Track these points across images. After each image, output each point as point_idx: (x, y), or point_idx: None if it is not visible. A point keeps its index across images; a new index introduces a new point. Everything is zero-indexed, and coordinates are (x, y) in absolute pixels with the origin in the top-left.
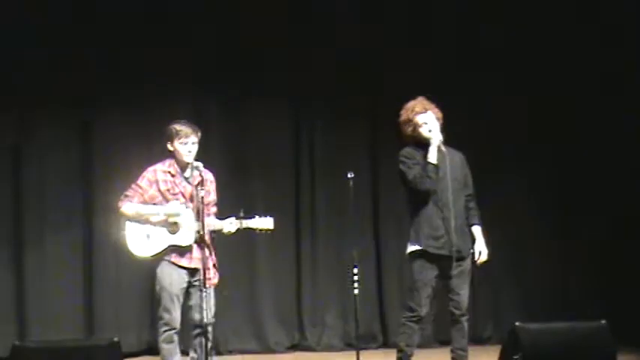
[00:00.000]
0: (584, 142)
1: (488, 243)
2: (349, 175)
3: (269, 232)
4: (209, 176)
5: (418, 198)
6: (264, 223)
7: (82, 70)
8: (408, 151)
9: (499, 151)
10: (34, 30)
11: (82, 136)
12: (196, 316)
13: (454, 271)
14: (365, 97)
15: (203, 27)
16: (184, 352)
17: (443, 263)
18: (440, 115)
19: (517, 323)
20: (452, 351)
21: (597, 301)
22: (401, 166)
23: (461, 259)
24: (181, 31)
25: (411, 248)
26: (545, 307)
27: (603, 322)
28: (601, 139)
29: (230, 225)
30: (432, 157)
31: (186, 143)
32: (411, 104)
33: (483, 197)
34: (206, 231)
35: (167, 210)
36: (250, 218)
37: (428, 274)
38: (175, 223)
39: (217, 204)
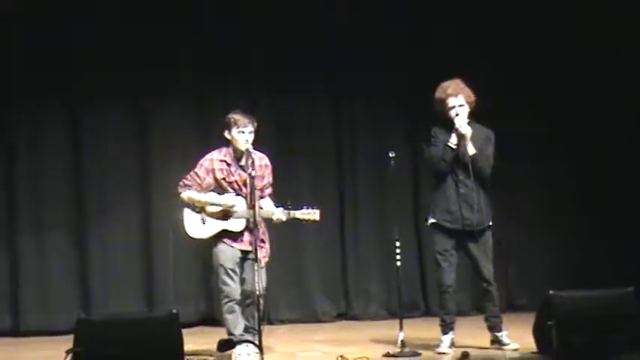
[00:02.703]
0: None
1: (524, 214)
2: (391, 155)
3: (315, 222)
4: (264, 161)
5: (437, 174)
6: (310, 214)
7: (137, 61)
8: (436, 130)
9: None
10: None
11: (139, 123)
12: (248, 288)
13: (472, 246)
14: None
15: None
16: None
17: (459, 237)
18: (472, 98)
19: (551, 291)
20: (486, 319)
21: (624, 269)
22: (426, 143)
23: (478, 233)
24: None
25: (430, 220)
26: (577, 275)
27: (630, 288)
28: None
29: (279, 214)
30: (452, 141)
31: (244, 132)
32: (445, 84)
33: (518, 171)
34: (257, 219)
35: (222, 201)
36: (298, 209)
37: (446, 245)
38: (228, 211)
39: (273, 185)
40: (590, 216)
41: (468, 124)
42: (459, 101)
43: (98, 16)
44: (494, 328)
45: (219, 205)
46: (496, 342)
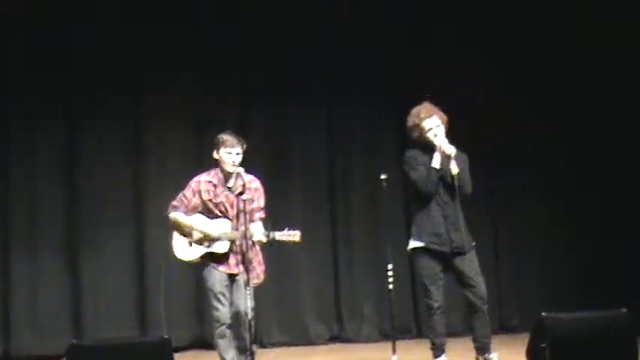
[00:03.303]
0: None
1: (514, 234)
2: (382, 177)
3: (295, 244)
4: (254, 184)
5: (420, 197)
6: (290, 236)
7: (132, 72)
8: (412, 153)
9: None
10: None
11: (133, 140)
12: (237, 309)
13: (462, 265)
14: (393, 98)
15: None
16: None
17: (445, 259)
18: (445, 118)
19: (543, 313)
20: (474, 340)
21: (618, 289)
22: (405, 167)
23: (463, 253)
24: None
25: (413, 244)
26: (570, 296)
27: (624, 310)
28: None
29: (259, 235)
30: (436, 162)
31: (231, 153)
32: (416, 110)
33: (508, 188)
34: (241, 241)
35: (203, 230)
36: (279, 231)
37: (433, 268)
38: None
39: (264, 209)
40: (586, 228)
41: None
42: (434, 122)
43: (98, 16)
44: (484, 349)
45: (200, 233)
46: None
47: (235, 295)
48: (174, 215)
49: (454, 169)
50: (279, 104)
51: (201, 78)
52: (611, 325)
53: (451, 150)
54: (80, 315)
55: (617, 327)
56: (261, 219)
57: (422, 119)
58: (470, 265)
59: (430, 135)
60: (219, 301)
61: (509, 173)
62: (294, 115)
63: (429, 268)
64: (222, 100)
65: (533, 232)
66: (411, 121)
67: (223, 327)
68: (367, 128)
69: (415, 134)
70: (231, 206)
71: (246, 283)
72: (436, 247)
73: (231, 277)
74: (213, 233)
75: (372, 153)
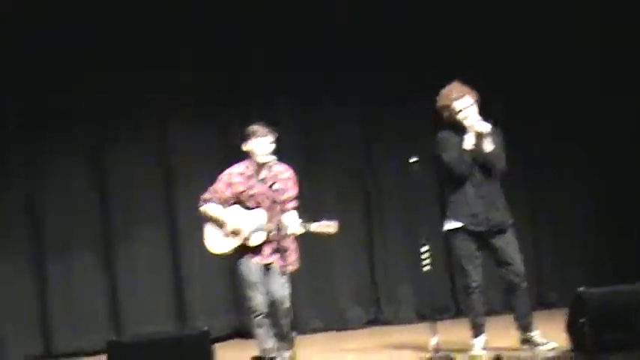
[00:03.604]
0: None
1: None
2: (412, 160)
3: (331, 236)
4: (287, 174)
5: (454, 178)
6: (326, 227)
7: (161, 71)
8: (443, 134)
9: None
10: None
11: (160, 133)
12: (272, 297)
13: (499, 243)
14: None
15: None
16: None
17: (482, 238)
18: (476, 97)
19: (581, 288)
20: (516, 319)
21: None
22: (437, 149)
23: (501, 231)
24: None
25: (450, 226)
26: (608, 270)
27: None
28: None
29: (295, 227)
30: (468, 143)
31: (262, 143)
32: (446, 90)
33: (551, 166)
34: (276, 233)
35: (233, 225)
36: (316, 222)
37: (470, 248)
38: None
39: (297, 198)
40: (625, 203)
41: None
42: (465, 103)
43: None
44: (525, 327)
45: (231, 227)
46: (528, 342)
47: (270, 283)
48: (206, 208)
49: (488, 147)
50: (309, 93)
51: (226, 74)
52: None
53: (485, 128)
54: (118, 310)
55: None
56: (295, 208)
57: (452, 100)
58: (508, 243)
59: (461, 117)
60: (253, 290)
61: (548, 151)
62: (327, 102)
63: (466, 248)
64: (248, 92)
65: (572, 208)
66: (441, 102)
67: (260, 316)
68: (399, 110)
69: (446, 115)
70: (265, 197)
71: (282, 271)
72: (473, 227)
73: (266, 266)
74: (245, 230)
75: (404, 134)
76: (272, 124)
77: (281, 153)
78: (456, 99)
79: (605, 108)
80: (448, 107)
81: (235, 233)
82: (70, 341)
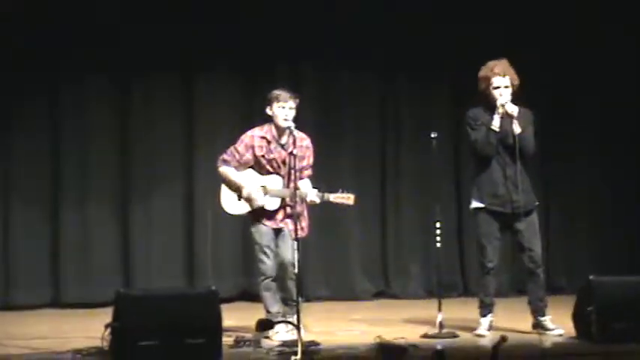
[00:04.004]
0: None
1: (568, 196)
2: (433, 135)
3: (349, 207)
4: (305, 142)
5: (479, 157)
6: (345, 199)
7: (182, 31)
8: (474, 112)
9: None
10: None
11: (183, 95)
12: (282, 260)
13: (521, 226)
14: (447, 60)
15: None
16: None
17: (506, 219)
18: (517, 82)
19: (591, 277)
20: (530, 302)
21: None
22: (466, 127)
23: (525, 214)
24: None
25: (474, 205)
26: (618, 259)
27: None
28: None
29: (313, 196)
30: (495, 123)
31: (284, 107)
32: (492, 63)
33: (561, 154)
34: (292, 199)
35: (249, 192)
36: (333, 192)
37: (491, 228)
38: (264, 187)
39: (312, 167)
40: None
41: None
42: (504, 82)
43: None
44: (537, 311)
45: (246, 194)
46: (539, 326)
47: (281, 246)
48: (224, 170)
49: (516, 129)
50: (329, 68)
51: (253, 36)
52: None
53: (513, 109)
54: (129, 265)
55: None
56: (309, 176)
57: (494, 74)
58: (530, 226)
59: (496, 93)
60: (265, 254)
61: (563, 138)
62: (346, 74)
63: (487, 227)
64: (272, 59)
65: (583, 194)
66: (483, 72)
67: (268, 280)
68: (418, 86)
69: (482, 86)
70: (283, 163)
71: (293, 237)
72: (496, 207)
73: (277, 230)
74: (260, 199)
75: (423, 111)
76: (295, 90)
77: (300, 122)
78: (497, 74)
79: (619, 98)
80: (487, 79)
81: (249, 200)
82: (79, 292)
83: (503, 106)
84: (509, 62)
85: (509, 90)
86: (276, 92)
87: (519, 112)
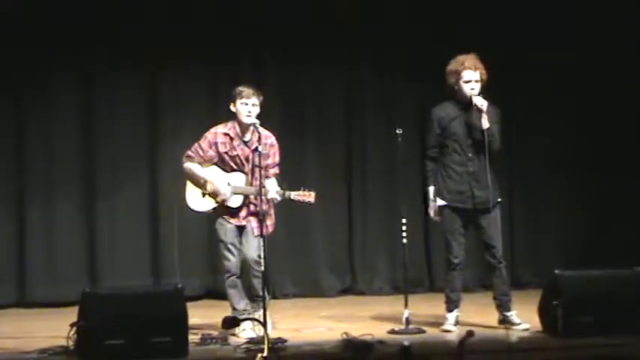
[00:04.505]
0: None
1: (530, 190)
2: (398, 132)
3: (310, 205)
4: (270, 140)
5: (443, 151)
6: (305, 196)
7: (148, 25)
8: (441, 109)
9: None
10: None
11: (148, 89)
12: (245, 257)
13: (484, 222)
14: (412, 53)
15: None
16: None
17: (468, 215)
18: (485, 77)
19: (557, 271)
20: (494, 298)
21: (632, 248)
22: (428, 126)
23: (487, 210)
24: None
25: (437, 202)
26: (584, 254)
27: (638, 268)
28: None
29: (273, 194)
30: (485, 123)
31: (247, 104)
32: (462, 57)
33: (524, 146)
34: (255, 196)
35: (217, 188)
36: (294, 190)
37: (455, 224)
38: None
39: (279, 165)
40: (602, 187)
41: (470, 107)
42: (475, 75)
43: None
44: (503, 307)
45: (209, 189)
46: (505, 322)
47: (244, 244)
48: (189, 165)
49: (485, 123)
50: (293, 58)
51: (216, 32)
52: (624, 283)
53: (482, 103)
54: (95, 262)
55: (631, 285)
56: (276, 175)
57: (465, 68)
58: (492, 223)
59: (466, 87)
60: (229, 251)
61: (527, 135)
62: (310, 71)
63: (451, 223)
64: (236, 55)
65: (549, 189)
66: (453, 65)
67: (233, 277)
68: (383, 82)
69: (451, 80)
70: (247, 160)
71: (256, 234)
72: (458, 204)
73: (240, 228)
74: (226, 193)
75: (387, 107)
76: (259, 85)
77: (264, 118)
78: (468, 68)
79: (585, 93)
80: (458, 73)
81: (214, 194)
82: (44, 291)
83: (472, 98)
84: (477, 58)
85: (479, 84)
86: (239, 89)
87: (487, 109)
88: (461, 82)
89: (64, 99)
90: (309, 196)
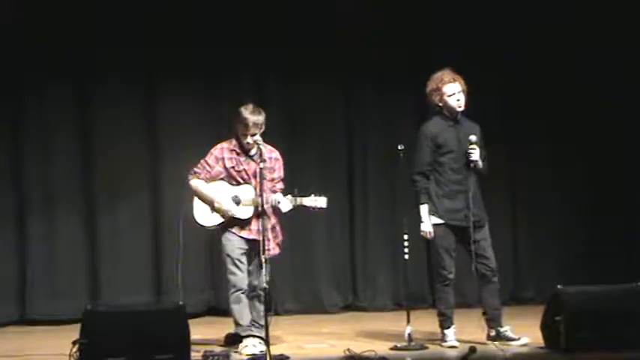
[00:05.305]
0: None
1: (533, 207)
2: (400, 147)
3: (322, 210)
4: (274, 154)
5: (437, 169)
6: (317, 202)
7: (149, 45)
8: (430, 127)
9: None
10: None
11: (146, 108)
12: (253, 282)
13: (478, 236)
14: (412, 71)
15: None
16: None
17: (462, 232)
18: (465, 87)
19: (559, 286)
20: (484, 313)
21: (634, 264)
22: (419, 142)
23: (481, 226)
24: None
25: (433, 221)
26: (586, 269)
27: (639, 284)
28: None
29: (286, 201)
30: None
31: (247, 134)
32: (438, 74)
33: (526, 164)
34: (266, 207)
35: (221, 206)
36: (305, 196)
37: (450, 241)
38: (236, 197)
39: (284, 180)
40: (604, 203)
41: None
42: (457, 87)
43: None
44: (494, 321)
45: (217, 207)
46: (500, 337)
47: (252, 267)
48: (195, 183)
49: (472, 138)
50: (294, 76)
51: (217, 52)
52: (626, 299)
53: (479, 162)
54: (97, 279)
55: (633, 301)
56: (282, 190)
57: (445, 83)
58: (484, 237)
59: (452, 100)
60: (236, 266)
61: (528, 151)
62: (310, 88)
63: (446, 240)
64: (237, 74)
65: (551, 205)
66: (432, 84)
67: (239, 292)
68: (384, 97)
69: (435, 99)
70: (254, 175)
71: (264, 252)
72: (454, 222)
73: (251, 245)
74: (230, 209)
75: (389, 123)
76: (259, 100)
77: (265, 134)
78: (447, 82)
79: (583, 105)
80: (439, 90)
81: (221, 211)
82: (45, 308)
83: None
84: (452, 70)
85: (463, 95)
86: (243, 115)
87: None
88: (445, 97)
89: (64, 112)
90: (320, 201)
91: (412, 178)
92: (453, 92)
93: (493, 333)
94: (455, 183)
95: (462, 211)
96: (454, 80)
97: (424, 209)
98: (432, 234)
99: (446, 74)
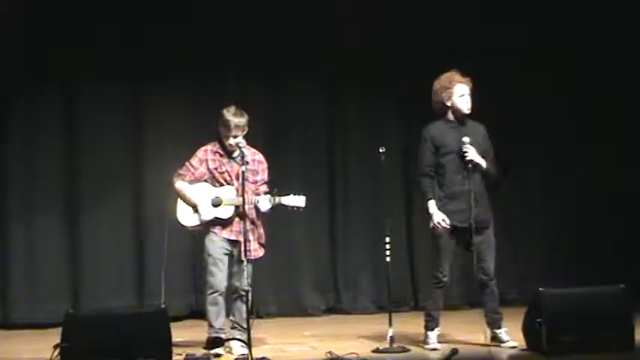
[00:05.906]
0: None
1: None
2: (381, 150)
3: (301, 209)
4: (257, 156)
5: (439, 172)
6: (296, 200)
7: (134, 46)
8: (434, 130)
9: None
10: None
11: (131, 108)
12: (235, 283)
13: (477, 239)
14: (395, 73)
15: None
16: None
17: (464, 234)
18: (473, 90)
19: (541, 288)
20: (485, 315)
21: (616, 266)
22: (420, 145)
23: (483, 228)
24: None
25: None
26: (568, 271)
27: (621, 286)
28: None
29: (265, 201)
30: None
31: (229, 136)
32: (448, 74)
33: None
34: (247, 207)
35: (203, 211)
36: (284, 195)
37: (450, 243)
38: (217, 198)
39: (268, 183)
40: (586, 204)
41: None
42: (467, 89)
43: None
44: (493, 324)
45: (201, 212)
46: (495, 339)
47: (234, 267)
48: (179, 185)
49: (466, 139)
50: (278, 79)
51: (199, 50)
52: (608, 301)
53: (480, 161)
54: (79, 282)
55: (614, 303)
56: (265, 193)
57: (455, 83)
58: (487, 240)
59: (461, 101)
60: (217, 266)
61: (511, 146)
62: (293, 88)
63: (446, 242)
64: (221, 75)
65: (534, 206)
66: (441, 84)
67: (216, 294)
68: (367, 100)
69: (443, 98)
70: (236, 177)
71: (245, 259)
72: (457, 223)
73: (232, 247)
74: (208, 213)
75: (371, 125)
76: (242, 102)
77: (249, 139)
78: (458, 83)
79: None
80: (447, 90)
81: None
82: (27, 312)
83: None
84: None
85: (469, 97)
86: (226, 117)
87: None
88: (453, 97)
89: (47, 114)
90: (299, 201)
91: (417, 180)
92: (463, 93)
93: (492, 335)
94: (457, 184)
95: (463, 212)
96: (465, 81)
97: (432, 204)
98: (446, 221)
99: (456, 75)
